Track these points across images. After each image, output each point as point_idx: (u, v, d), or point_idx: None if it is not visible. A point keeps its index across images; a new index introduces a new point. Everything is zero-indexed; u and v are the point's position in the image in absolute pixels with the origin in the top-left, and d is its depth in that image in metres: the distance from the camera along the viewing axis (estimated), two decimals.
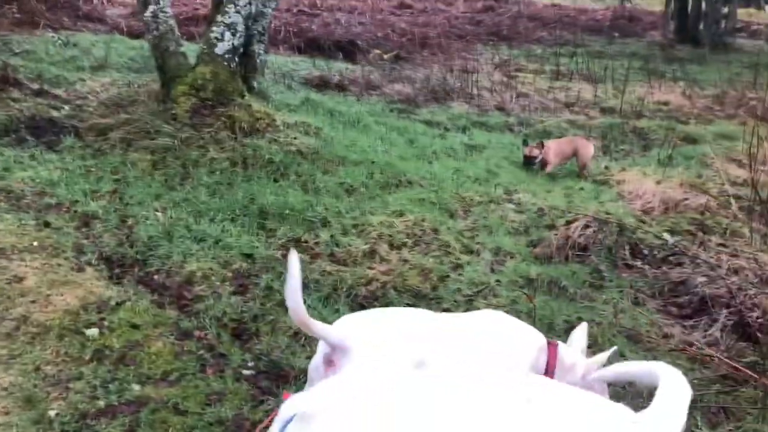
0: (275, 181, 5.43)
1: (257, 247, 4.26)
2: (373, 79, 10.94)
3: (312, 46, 13.98)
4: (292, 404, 1.64)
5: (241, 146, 5.79)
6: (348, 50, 13.82)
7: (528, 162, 6.99)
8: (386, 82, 10.92)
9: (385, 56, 13.27)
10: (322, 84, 10.23)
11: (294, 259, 2.08)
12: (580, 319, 3.86)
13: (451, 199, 5.58)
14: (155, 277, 3.84)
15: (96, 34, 13.18)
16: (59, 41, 11.04)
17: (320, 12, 19.47)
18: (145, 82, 7.72)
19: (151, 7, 6.34)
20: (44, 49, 10.45)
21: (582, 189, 6.47)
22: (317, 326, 2.16)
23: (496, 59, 13.86)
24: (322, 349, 2.25)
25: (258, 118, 6.24)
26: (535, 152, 6.95)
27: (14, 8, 14.40)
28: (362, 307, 3.76)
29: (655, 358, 3.57)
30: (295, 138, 6.25)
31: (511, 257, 4.70)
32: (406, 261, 4.38)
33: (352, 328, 2.25)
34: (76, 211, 4.50)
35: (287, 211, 4.81)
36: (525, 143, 7.09)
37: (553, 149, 7.08)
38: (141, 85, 7.44)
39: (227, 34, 6.43)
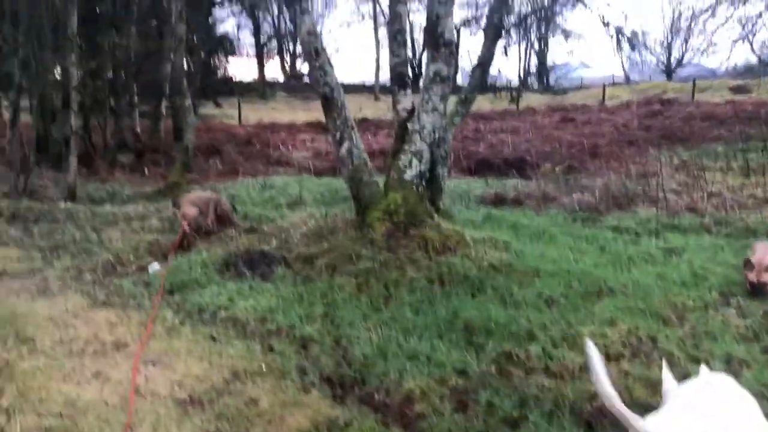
0: (473, 296, 5.41)
1: (469, 363, 4.19)
2: (549, 191, 10.86)
3: (482, 167, 14.32)
4: None
5: (436, 264, 5.89)
6: (518, 167, 13.97)
7: (759, 290, 5.43)
8: (562, 193, 10.79)
9: (557, 168, 13.23)
10: (498, 201, 10.33)
11: (591, 347, 2.22)
12: None
13: (661, 306, 5.20)
14: (375, 395, 3.87)
15: (287, 176, 14.47)
16: (258, 185, 12.24)
17: (484, 135, 20.05)
18: (338, 212, 8.26)
19: (346, 144, 6.87)
20: (246, 192, 11.62)
21: None
22: (634, 419, 2.15)
23: (674, 161, 13.28)
24: None
25: (448, 236, 6.37)
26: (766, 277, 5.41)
27: (218, 160, 16.35)
28: (588, 425, 3.52)
29: None
30: (486, 253, 6.26)
31: (746, 366, 4.21)
32: (627, 373, 4.07)
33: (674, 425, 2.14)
34: (294, 335, 4.74)
35: (492, 325, 4.73)
36: (747, 265, 5.56)
37: None
38: (336, 215, 7.96)
39: (414, 161, 6.77)
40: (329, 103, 6.92)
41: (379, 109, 37.03)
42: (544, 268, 6.04)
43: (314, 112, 38.00)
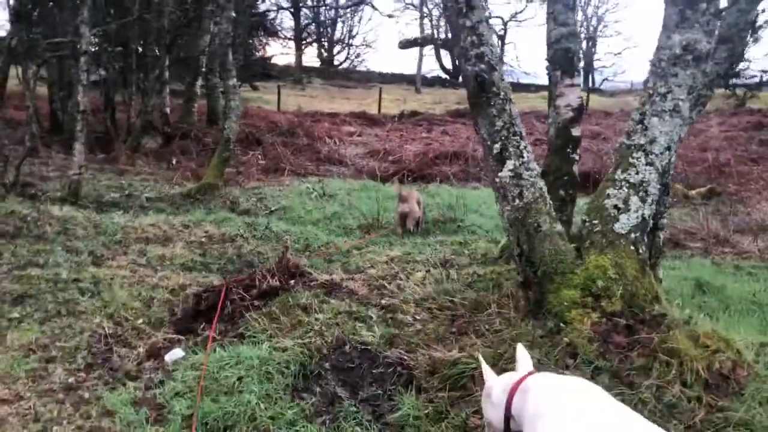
0: None
1: None
2: (714, 228, 7.81)
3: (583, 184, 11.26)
4: None
5: (722, 420, 2.92)
6: None
7: None
8: (729, 230, 7.74)
9: (694, 192, 10.13)
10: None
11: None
12: None
13: None
14: None
15: (343, 179, 11.56)
16: (314, 192, 9.32)
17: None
18: (463, 263, 5.32)
19: (511, 163, 3.90)
20: (300, 203, 8.72)
21: None
22: None
23: None
24: None
25: (713, 350, 3.38)
26: None
27: (259, 154, 13.44)
28: None
29: None
30: None
31: None
32: None
33: None
34: None
35: None
36: None
37: None
38: (464, 271, 5.00)
39: (634, 200, 3.79)
40: (484, 91, 3.95)
41: (425, 103, 33.89)
42: None
43: (354, 102, 35.02)
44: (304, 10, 49.10)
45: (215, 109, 17.04)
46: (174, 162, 12.54)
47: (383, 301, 4.43)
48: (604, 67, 52.28)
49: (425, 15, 47.85)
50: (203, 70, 16.16)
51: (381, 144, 16.86)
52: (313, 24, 51.10)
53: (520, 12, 46.61)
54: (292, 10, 46.25)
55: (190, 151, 13.63)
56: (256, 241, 6.57)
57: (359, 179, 11.54)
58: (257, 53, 31.10)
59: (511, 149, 3.93)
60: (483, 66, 3.99)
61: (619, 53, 50.52)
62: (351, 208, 8.38)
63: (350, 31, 52.18)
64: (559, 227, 3.90)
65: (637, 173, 3.83)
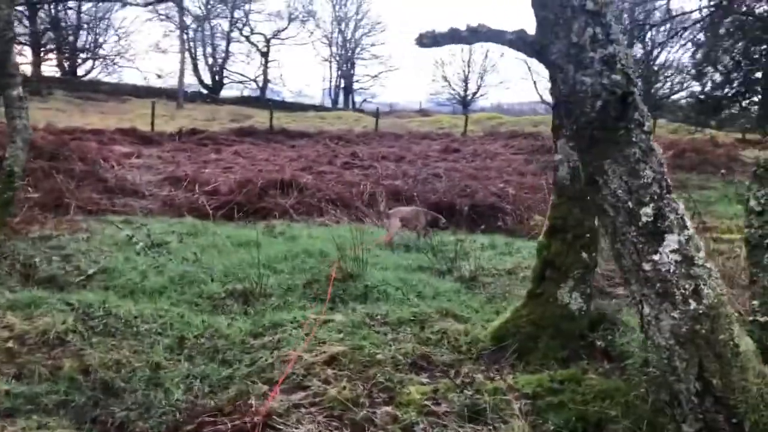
0: None
1: None
2: None
3: (447, 216, 10.08)
4: None
5: None
6: (490, 216, 10.00)
7: None
8: None
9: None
10: None
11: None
12: None
13: None
14: None
15: (156, 218, 8.90)
16: (138, 242, 6.66)
17: (367, 163, 15.83)
18: (447, 360, 3.55)
19: (673, 240, 2.27)
20: (125, 261, 6.19)
21: None
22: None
23: None
24: None
25: None
26: None
27: (28, 186, 9.94)
28: None
29: None
30: None
31: None
32: None
33: None
34: None
35: None
36: None
37: None
38: (488, 386, 3.21)
39: None
40: (622, 119, 2.28)
41: (195, 120, 30.52)
42: None
43: (112, 117, 30.27)
44: (41, 13, 42.11)
45: None
46: None
47: None
48: (362, 89, 53.57)
49: (185, 27, 43.96)
50: None
51: (173, 168, 14.06)
52: (52, 30, 44.07)
53: (283, 30, 45.40)
54: (27, 12, 39.29)
55: None
56: (99, 338, 4.01)
57: (175, 217, 8.96)
58: None
59: (671, 216, 2.33)
60: (617, 77, 2.33)
61: (376, 76, 52.15)
62: (201, 264, 6.02)
63: (96, 40, 46.03)
64: (749, 342, 2.38)
65: None
